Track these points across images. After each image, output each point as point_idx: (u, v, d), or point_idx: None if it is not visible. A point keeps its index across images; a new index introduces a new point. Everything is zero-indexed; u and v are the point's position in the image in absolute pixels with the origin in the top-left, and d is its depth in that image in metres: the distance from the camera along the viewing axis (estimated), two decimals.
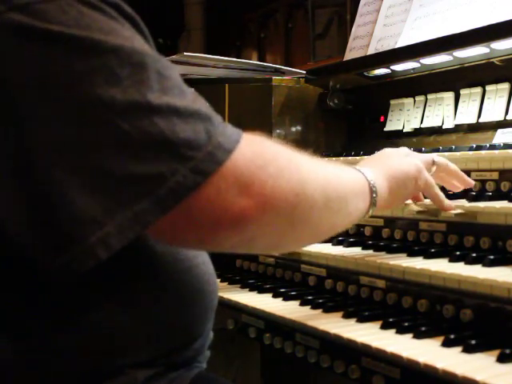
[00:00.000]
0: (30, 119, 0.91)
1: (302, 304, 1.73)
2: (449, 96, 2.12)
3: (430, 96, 2.20)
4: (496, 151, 1.71)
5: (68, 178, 0.92)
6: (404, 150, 1.61)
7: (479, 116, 2.01)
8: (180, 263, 1.17)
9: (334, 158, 2.27)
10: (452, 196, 1.70)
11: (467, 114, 2.04)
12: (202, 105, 1.00)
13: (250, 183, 0.99)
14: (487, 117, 1.97)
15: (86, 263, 0.93)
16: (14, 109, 0.92)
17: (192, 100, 0.99)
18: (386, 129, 2.35)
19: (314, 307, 1.68)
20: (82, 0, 0.95)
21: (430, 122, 2.18)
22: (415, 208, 1.73)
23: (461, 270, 1.43)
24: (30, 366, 1.04)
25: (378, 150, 2.03)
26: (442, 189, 1.68)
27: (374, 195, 1.34)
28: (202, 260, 1.22)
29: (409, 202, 1.73)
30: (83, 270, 0.94)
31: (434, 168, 1.61)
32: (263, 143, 1.06)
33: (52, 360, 1.04)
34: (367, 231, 1.94)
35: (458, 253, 1.53)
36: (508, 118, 1.92)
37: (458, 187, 1.69)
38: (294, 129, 2.52)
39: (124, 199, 0.93)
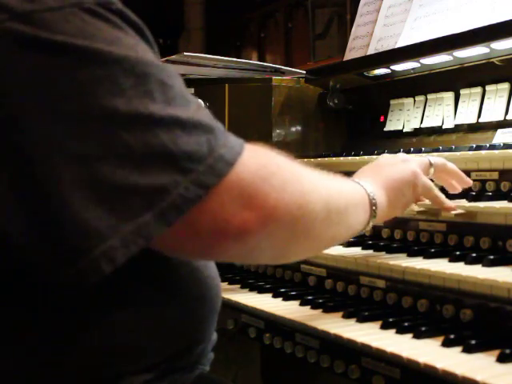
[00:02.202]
0: (30, 131, 0.90)
1: (301, 304, 1.73)
2: (449, 96, 2.12)
3: (429, 96, 2.20)
4: (496, 151, 1.71)
5: (70, 190, 0.90)
6: (401, 155, 1.61)
7: (479, 116, 2.01)
8: (183, 268, 1.16)
9: (334, 158, 2.26)
10: (452, 196, 1.69)
11: (467, 114, 2.04)
12: (204, 115, 0.99)
13: (254, 196, 0.98)
14: (487, 117, 1.97)
15: (90, 277, 0.92)
16: (14, 121, 0.90)
17: (195, 110, 0.98)
18: (385, 129, 2.35)
19: (314, 307, 1.68)
20: (85, 9, 0.94)
21: (430, 122, 2.18)
22: (415, 208, 1.73)
23: (461, 270, 1.43)
24: (30, 374, 1.03)
25: (378, 149, 2.05)
26: (442, 189, 1.68)
27: (374, 207, 1.36)
28: (205, 264, 1.21)
29: None
30: (87, 284, 0.93)
31: (431, 170, 1.60)
32: (267, 155, 1.05)
33: (52, 367, 1.03)
34: (367, 231, 1.94)
35: (457, 253, 1.53)
36: (508, 117, 1.92)
37: (457, 188, 1.68)
38: (293, 129, 2.52)
39: (127, 212, 0.92)
